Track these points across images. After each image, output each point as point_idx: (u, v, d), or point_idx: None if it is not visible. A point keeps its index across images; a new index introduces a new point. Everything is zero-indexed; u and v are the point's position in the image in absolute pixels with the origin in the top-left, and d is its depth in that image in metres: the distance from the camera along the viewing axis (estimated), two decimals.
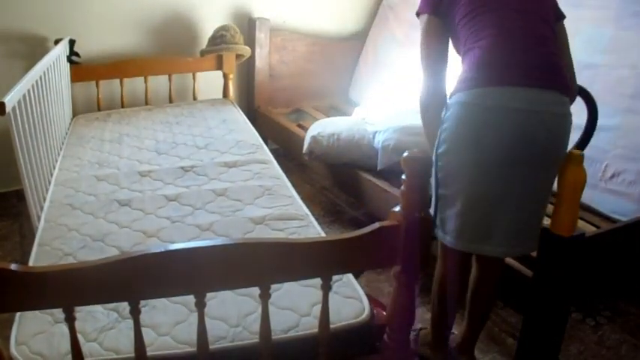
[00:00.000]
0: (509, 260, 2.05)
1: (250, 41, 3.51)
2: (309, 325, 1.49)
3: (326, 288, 1.27)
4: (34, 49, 3.01)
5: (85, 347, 1.40)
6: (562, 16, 1.73)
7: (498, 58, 1.59)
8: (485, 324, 1.97)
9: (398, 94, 2.98)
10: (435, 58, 1.70)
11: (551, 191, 1.68)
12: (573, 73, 1.73)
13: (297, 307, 1.56)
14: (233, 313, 1.53)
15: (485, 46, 1.60)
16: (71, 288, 1.10)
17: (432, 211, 1.70)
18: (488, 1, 1.65)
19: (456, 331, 2.07)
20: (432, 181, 1.66)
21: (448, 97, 1.67)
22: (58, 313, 1.18)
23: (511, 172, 1.57)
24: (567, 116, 1.61)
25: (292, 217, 2.05)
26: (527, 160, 1.56)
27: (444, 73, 1.71)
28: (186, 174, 2.43)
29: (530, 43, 1.60)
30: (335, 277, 1.44)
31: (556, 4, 1.73)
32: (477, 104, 1.57)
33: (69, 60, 3.06)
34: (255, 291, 1.23)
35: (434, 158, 1.65)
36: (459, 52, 1.72)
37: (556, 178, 1.64)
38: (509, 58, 1.58)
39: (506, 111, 1.55)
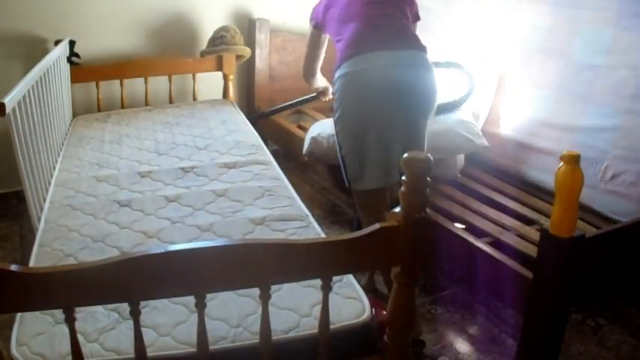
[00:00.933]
0: (509, 261, 2.06)
1: (250, 42, 3.51)
2: (310, 326, 1.49)
3: (326, 289, 1.27)
4: (34, 50, 3.01)
5: (86, 348, 1.40)
6: (418, 19, 2.33)
7: (362, 36, 2.10)
8: None
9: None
10: (314, 55, 2.51)
11: (421, 134, 2.16)
12: None
13: (297, 307, 1.56)
14: (234, 313, 1.53)
15: (351, 30, 2.12)
16: (71, 289, 1.10)
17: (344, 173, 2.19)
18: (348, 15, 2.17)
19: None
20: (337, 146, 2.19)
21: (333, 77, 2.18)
22: (59, 313, 1.18)
23: (386, 116, 2.05)
24: (425, 66, 2.12)
25: (292, 218, 2.05)
26: (398, 104, 2.04)
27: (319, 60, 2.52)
28: (186, 175, 2.43)
29: (385, 21, 2.12)
30: (335, 278, 1.44)
31: (415, 9, 2.30)
32: (355, 70, 2.07)
33: (69, 61, 3.06)
34: (256, 291, 1.23)
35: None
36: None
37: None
38: (370, 35, 2.10)
39: (376, 69, 2.04)
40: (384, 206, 2.16)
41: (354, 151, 2.12)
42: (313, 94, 2.95)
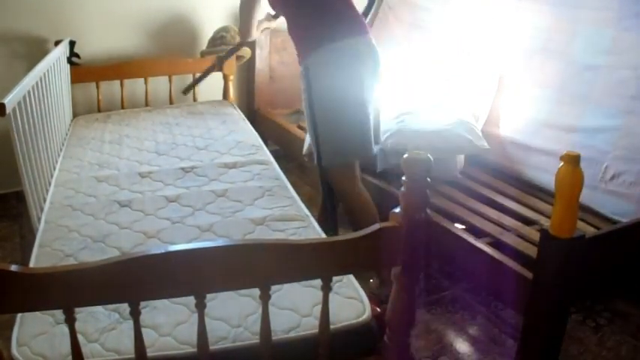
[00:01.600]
0: (509, 261, 2.06)
1: (250, 42, 3.50)
2: (310, 326, 1.49)
3: (326, 289, 1.27)
4: (34, 51, 3.01)
5: (87, 348, 1.40)
6: None
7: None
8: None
9: (397, 95, 2.97)
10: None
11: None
12: None
13: (297, 307, 1.56)
14: (234, 313, 1.53)
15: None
16: (72, 289, 1.10)
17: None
18: None
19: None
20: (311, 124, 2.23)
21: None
22: (59, 314, 1.18)
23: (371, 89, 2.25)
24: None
25: (292, 218, 2.05)
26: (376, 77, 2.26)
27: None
28: (186, 175, 2.43)
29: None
30: (335, 278, 1.44)
31: None
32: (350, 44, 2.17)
33: (69, 61, 3.06)
34: (256, 291, 1.23)
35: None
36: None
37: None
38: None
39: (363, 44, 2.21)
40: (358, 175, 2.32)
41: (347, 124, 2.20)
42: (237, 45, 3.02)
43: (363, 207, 2.30)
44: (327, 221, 2.30)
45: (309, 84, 2.16)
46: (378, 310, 1.63)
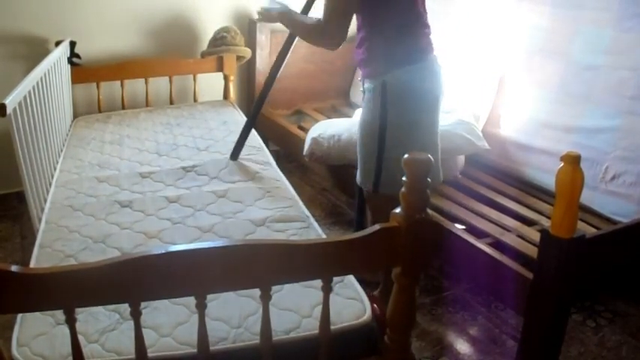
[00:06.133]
0: (509, 261, 2.06)
1: (251, 43, 3.51)
2: (311, 326, 1.49)
3: (327, 289, 1.27)
4: (34, 51, 3.01)
5: (87, 348, 1.40)
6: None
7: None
8: None
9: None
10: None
11: None
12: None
13: (298, 308, 1.56)
14: (234, 314, 1.53)
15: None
16: (72, 289, 1.10)
17: None
18: None
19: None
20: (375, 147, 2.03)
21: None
22: (60, 314, 1.18)
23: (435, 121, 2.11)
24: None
25: (293, 219, 2.05)
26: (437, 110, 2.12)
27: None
28: (187, 175, 2.43)
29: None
30: (336, 279, 1.44)
31: None
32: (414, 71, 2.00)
33: (70, 61, 3.06)
34: (257, 292, 1.23)
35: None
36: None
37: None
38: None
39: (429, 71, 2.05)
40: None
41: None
42: None
43: None
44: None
45: (385, 103, 1.97)
46: (376, 306, 1.63)
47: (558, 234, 1.61)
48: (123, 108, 3.29)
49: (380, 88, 1.97)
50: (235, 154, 2.57)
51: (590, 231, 2.29)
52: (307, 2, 2.31)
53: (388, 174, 2.03)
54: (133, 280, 1.12)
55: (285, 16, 2.20)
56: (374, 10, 1.96)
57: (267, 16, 2.30)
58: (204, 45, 3.43)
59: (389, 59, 1.98)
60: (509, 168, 2.87)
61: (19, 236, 2.85)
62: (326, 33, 1.97)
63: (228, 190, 2.27)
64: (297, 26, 2.16)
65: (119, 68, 3.19)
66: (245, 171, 2.46)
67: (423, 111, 2.03)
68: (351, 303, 1.58)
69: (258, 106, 2.59)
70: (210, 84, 3.50)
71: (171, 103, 3.40)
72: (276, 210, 2.11)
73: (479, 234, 2.33)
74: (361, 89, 2.14)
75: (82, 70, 3.13)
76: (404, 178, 1.24)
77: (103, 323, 1.51)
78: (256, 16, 2.81)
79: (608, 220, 2.42)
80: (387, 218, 2.11)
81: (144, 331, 1.22)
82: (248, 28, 3.53)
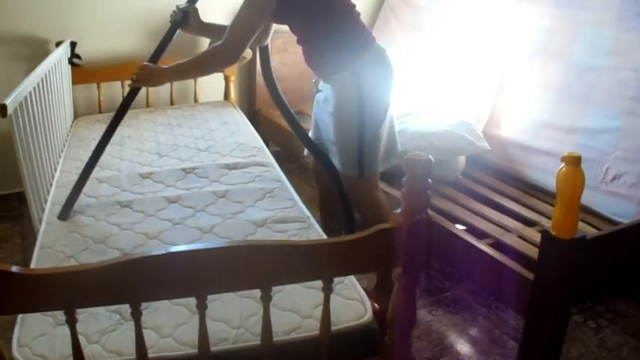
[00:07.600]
0: (510, 262, 2.06)
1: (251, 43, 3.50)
2: (311, 327, 1.49)
3: (327, 290, 1.27)
4: (35, 52, 3.01)
5: (88, 349, 1.40)
6: None
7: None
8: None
9: (398, 97, 2.97)
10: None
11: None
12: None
13: (299, 308, 1.56)
14: (235, 314, 1.53)
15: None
16: (73, 290, 1.10)
17: None
18: None
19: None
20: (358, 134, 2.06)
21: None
22: (60, 315, 1.18)
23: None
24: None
25: (293, 220, 2.05)
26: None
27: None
28: (187, 176, 2.43)
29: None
30: (336, 279, 1.44)
31: None
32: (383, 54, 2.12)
33: (70, 62, 3.07)
34: (258, 292, 1.23)
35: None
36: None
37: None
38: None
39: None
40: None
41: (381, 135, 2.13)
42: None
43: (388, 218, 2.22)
44: (346, 228, 2.21)
45: (359, 85, 2.01)
46: (376, 306, 1.63)
47: (559, 235, 1.61)
48: None
49: (351, 75, 2.02)
50: (65, 213, 2.08)
51: (591, 232, 2.29)
52: (160, 45, 2.30)
53: (370, 153, 2.09)
54: (133, 281, 1.12)
55: (168, 70, 2.13)
56: (309, 20, 2.03)
57: (145, 75, 2.12)
58: (204, 45, 3.42)
59: (351, 49, 2.04)
60: (509, 169, 2.87)
61: (20, 237, 2.85)
62: (229, 52, 2.03)
63: (229, 190, 2.27)
64: (188, 67, 2.14)
65: (119, 69, 3.19)
66: (245, 172, 2.46)
67: (390, 89, 2.13)
68: (351, 304, 1.58)
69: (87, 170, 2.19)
70: (211, 84, 3.50)
71: (172, 103, 3.40)
72: (277, 210, 2.11)
73: (479, 235, 2.33)
74: (317, 88, 2.20)
75: (82, 70, 3.13)
76: (404, 179, 1.24)
77: (104, 324, 1.51)
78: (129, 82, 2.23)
79: (609, 220, 2.42)
80: (376, 199, 2.18)
81: (144, 331, 1.22)
82: None
